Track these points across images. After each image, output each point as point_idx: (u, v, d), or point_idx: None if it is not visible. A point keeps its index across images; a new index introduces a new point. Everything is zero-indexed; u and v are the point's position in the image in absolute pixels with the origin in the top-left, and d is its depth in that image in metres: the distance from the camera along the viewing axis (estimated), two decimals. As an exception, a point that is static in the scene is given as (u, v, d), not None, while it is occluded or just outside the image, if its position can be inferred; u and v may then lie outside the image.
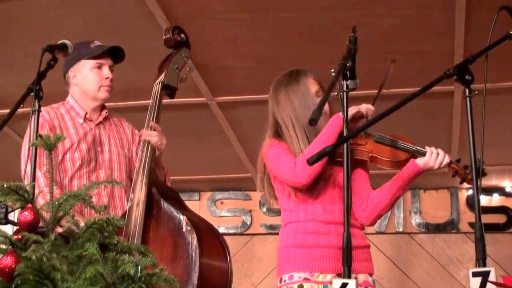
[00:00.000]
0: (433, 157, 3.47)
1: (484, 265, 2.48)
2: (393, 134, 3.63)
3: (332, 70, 2.99)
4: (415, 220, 8.35)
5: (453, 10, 4.77)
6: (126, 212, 3.78)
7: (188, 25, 4.80)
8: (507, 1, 3.10)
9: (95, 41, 4.13)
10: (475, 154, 2.64)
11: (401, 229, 8.35)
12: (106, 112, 4.20)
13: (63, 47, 3.42)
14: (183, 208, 3.76)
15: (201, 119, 6.46)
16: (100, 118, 4.16)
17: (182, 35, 4.27)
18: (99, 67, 4.10)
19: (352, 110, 3.48)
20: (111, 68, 4.13)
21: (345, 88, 2.97)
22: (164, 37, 4.25)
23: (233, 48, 5.38)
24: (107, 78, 4.11)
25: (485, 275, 2.43)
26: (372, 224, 3.66)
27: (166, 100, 4.21)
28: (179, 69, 4.20)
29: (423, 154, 3.50)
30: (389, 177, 3.60)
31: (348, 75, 2.97)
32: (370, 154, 3.56)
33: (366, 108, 3.55)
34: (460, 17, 4.82)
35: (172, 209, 3.69)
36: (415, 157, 3.52)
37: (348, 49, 3.02)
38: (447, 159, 3.49)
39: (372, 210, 3.61)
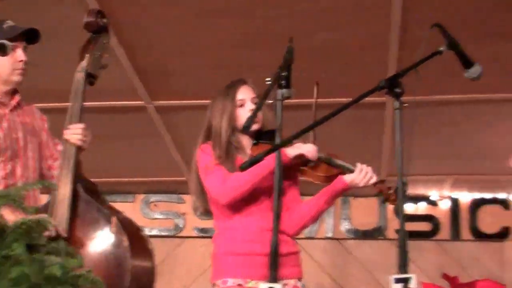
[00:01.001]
0: (361, 176, 3.52)
1: (406, 271, 2.51)
2: (327, 151, 3.65)
3: (268, 79, 3.00)
4: (345, 226, 8.42)
5: (389, 24, 4.83)
6: (46, 207, 3.59)
7: (130, 28, 4.77)
8: (441, 18, 3.16)
9: (8, 21, 3.86)
10: (402, 165, 2.66)
11: (330, 235, 8.41)
12: (19, 96, 3.87)
13: None
14: (109, 207, 3.66)
15: (138, 122, 6.40)
16: (13, 103, 3.83)
17: (105, 20, 3.89)
18: (13, 49, 3.75)
19: (297, 151, 3.51)
20: (24, 50, 3.79)
21: (279, 97, 2.98)
22: (86, 20, 3.82)
23: (174, 52, 5.35)
24: (20, 60, 3.76)
25: (406, 282, 2.46)
26: (296, 234, 3.66)
27: (103, 103, 4.13)
28: (101, 55, 3.87)
29: (352, 171, 3.54)
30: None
31: (284, 84, 2.98)
32: (303, 168, 3.58)
33: (311, 152, 3.55)
34: (395, 32, 4.88)
35: (100, 208, 3.56)
36: (344, 173, 3.56)
37: (285, 59, 3.03)
38: (373, 179, 3.54)
39: (297, 221, 3.63)
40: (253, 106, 3.58)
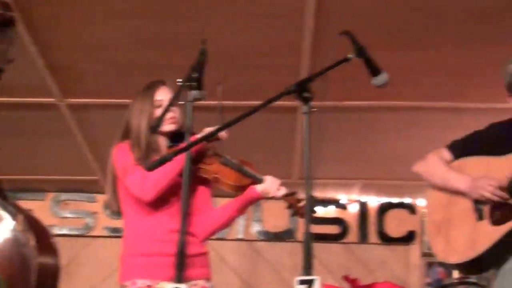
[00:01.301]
0: (272, 187, 3.59)
1: (310, 273, 2.55)
2: (240, 158, 3.69)
3: (179, 80, 3.00)
4: (256, 228, 8.46)
5: (302, 29, 4.88)
6: None
7: (44, 26, 4.71)
8: (352, 26, 3.22)
9: None
10: (310, 169, 2.70)
11: (241, 236, 8.44)
12: None
13: None
14: (14, 205, 3.58)
15: (50, 119, 6.30)
16: None
17: (11, 13, 3.72)
18: None
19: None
20: None
21: (190, 98, 2.99)
22: None
23: (89, 51, 5.29)
24: None
25: (310, 283, 2.50)
26: (205, 239, 3.70)
27: (15, 99, 4.06)
28: (7, 49, 3.78)
29: (262, 181, 3.61)
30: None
31: (195, 86, 2.99)
32: (214, 175, 3.61)
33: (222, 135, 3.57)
34: (308, 37, 4.94)
35: (4, 205, 3.49)
36: (255, 183, 3.62)
37: (197, 61, 3.04)
38: (283, 191, 3.61)
39: (208, 226, 3.68)
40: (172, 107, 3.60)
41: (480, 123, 3.70)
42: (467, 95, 5.87)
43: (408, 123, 6.39)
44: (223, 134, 3.54)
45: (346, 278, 2.20)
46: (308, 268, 2.57)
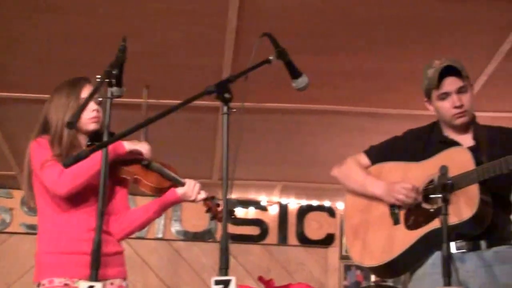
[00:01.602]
0: (193, 191, 3.61)
1: (227, 274, 2.55)
2: (161, 161, 3.69)
3: (98, 76, 2.97)
4: (175, 227, 8.43)
5: (225, 30, 4.88)
6: None
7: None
8: (275, 28, 3.23)
9: None
10: (228, 170, 2.69)
11: (160, 236, 8.39)
12: None
13: None
14: None
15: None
16: None
17: None
18: None
19: (133, 147, 3.55)
20: None
21: (109, 95, 2.95)
22: None
23: (9, 45, 5.18)
24: None
25: (226, 284, 2.49)
26: (122, 239, 3.68)
27: None
28: None
29: (182, 184, 3.62)
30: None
31: (114, 83, 2.95)
32: (135, 176, 3.60)
33: (146, 150, 3.60)
34: (230, 38, 4.94)
35: None
36: (175, 186, 3.63)
37: (117, 57, 3.00)
38: (203, 195, 3.63)
39: (125, 226, 3.66)
40: (95, 106, 3.57)
41: (400, 129, 3.75)
42: (388, 101, 5.96)
43: (329, 126, 6.46)
44: (146, 150, 3.57)
45: (261, 279, 2.21)
46: (224, 268, 2.57)
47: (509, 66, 5.28)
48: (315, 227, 8.75)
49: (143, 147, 3.61)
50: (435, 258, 3.33)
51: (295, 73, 3.02)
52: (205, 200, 3.64)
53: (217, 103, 2.76)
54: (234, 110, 2.76)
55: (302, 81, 3.03)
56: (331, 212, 8.75)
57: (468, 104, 3.50)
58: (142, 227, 3.74)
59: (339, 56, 5.23)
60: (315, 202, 8.76)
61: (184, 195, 3.62)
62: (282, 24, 4.67)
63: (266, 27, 3.19)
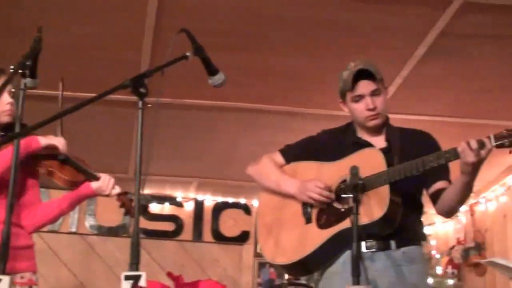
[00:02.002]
0: (107, 185, 3.64)
1: (137, 269, 2.53)
2: (76, 156, 3.69)
3: (12, 67, 2.91)
4: (89, 222, 8.33)
5: (143, 25, 4.84)
6: None
7: None
8: (194, 24, 3.22)
9: None
10: (141, 165, 2.67)
11: (74, 230, 8.29)
12: None
13: None
14: None
15: None
16: None
17: None
18: None
19: (48, 141, 3.54)
20: None
21: (22, 86, 2.90)
22: None
23: None
24: None
25: (136, 279, 2.48)
26: (34, 231, 3.68)
27: None
28: None
29: (97, 179, 3.65)
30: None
31: (28, 74, 2.90)
32: (49, 169, 3.60)
33: (62, 145, 3.59)
34: (149, 33, 4.91)
35: None
36: (90, 180, 3.65)
37: (31, 48, 2.95)
38: (117, 190, 3.66)
39: (37, 219, 3.66)
40: (10, 99, 3.54)
41: (316, 128, 3.78)
42: (305, 100, 6.01)
43: (246, 124, 6.48)
44: (62, 144, 3.54)
45: (170, 275, 2.22)
46: (135, 263, 2.55)
47: (423, 70, 5.39)
48: (230, 224, 8.78)
49: (59, 142, 3.59)
50: (346, 257, 3.36)
51: (211, 70, 3.03)
52: (119, 195, 3.66)
53: (135, 97, 2.74)
54: (150, 105, 2.74)
55: (219, 78, 3.05)
56: (246, 209, 8.79)
57: (381, 107, 3.55)
58: (54, 220, 3.74)
59: (256, 55, 5.26)
60: (231, 199, 8.79)
61: (98, 189, 3.63)
62: (201, 21, 4.67)
63: (184, 23, 3.18)
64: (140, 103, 2.71)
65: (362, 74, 3.51)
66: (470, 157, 3.10)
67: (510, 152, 3.12)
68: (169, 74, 2.94)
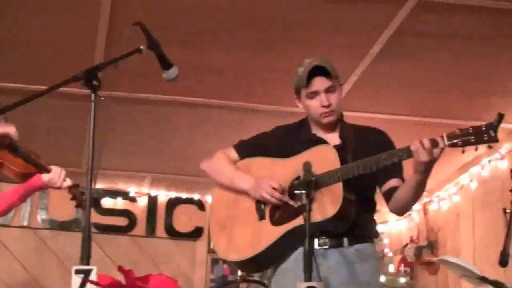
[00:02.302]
0: (58, 177, 3.65)
1: (88, 263, 2.51)
2: (28, 148, 3.66)
3: None
4: (41, 216, 8.25)
5: (98, 18, 4.80)
6: None
7: None
8: (150, 18, 3.20)
9: None
10: (93, 159, 2.65)
11: (26, 224, 8.20)
12: None
13: None
14: None
15: None
16: None
17: None
18: None
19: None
20: None
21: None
22: None
23: None
24: None
25: (87, 273, 2.46)
26: None
27: None
28: None
29: (48, 171, 3.65)
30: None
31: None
32: (0, 160, 3.56)
33: (14, 132, 3.55)
34: (103, 25, 4.86)
35: None
36: (41, 173, 3.66)
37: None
38: (68, 182, 3.68)
39: None
40: None
41: (271, 125, 3.78)
42: (260, 97, 6.01)
43: (201, 120, 6.46)
44: (13, 132, 3.51)
45: (121, 269, 2.19)
46: (86, 257, 2.54)
47: (378, 68, 5.43)
48: (184, 220, 8.76)
49: (10, 129, 3.54)
50: (298, 254, 3.36)
51: (165, 64, 3.03)
52: (70, 187, 3.64)
53: (88, 90, 2.72)
54: (102, 98, 2.72)
55: (173, 72, 3.05)
56: (200, 205, 8.78)
57: (335, 104, 3.56)
58: (5, 212, 3.75)
59: (212, 51, 5.24)
60: (184, 195, 8.77)
61: (49, 182, 3.63)
62: (156, 15, 4.64)
63: (139, 16, 3.17)
64: (93, 96, 2.69)
65: (317, 71, 3.52)
66: (423, 156, 3.13)
67: (462, 152, 3.15)
68: (124, 68, 2.92)
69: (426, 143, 3.12)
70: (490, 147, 3.11)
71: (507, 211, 3.35)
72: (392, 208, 3.51)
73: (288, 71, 3.75)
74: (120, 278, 2.50)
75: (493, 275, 5.87)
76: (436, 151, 3.13)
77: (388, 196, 3.50)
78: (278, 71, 5.35)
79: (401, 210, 3.53)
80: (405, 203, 3.45)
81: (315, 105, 3.56)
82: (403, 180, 3.50)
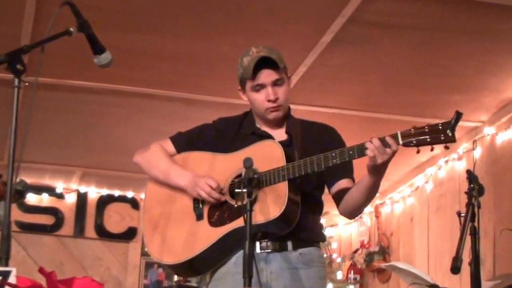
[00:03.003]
0: None
1: (7, 264, 2.49)
2: None
3: None
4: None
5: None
6: None
7: None
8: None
9: None
10: (14, 150, 2.63)
11: None
12: None
13: None
14: None
15: None
16: None
17: None
18: None
19: None
20: None
21: None
22: None
23: None
24: None
25: (5, 275, 2.44)
26: None
27: None
28: None
29: None
30: None
31: None
32: None
33: None
34: (31, 4, 4.81)
35: None
36: None
37: None
38: None
39: None
40: None
41: (214, 117, 3.78)
42: (202, 87, 6.01)
43: (137, 110, 6.44)
44: None
45: (42, 271, 2.16)
46: (5, 258, 2.52)
47: (328, 59, 5.46)
48: (116, 220, 8.73)
49: None
50: (238, 257, 3.37)
51: (97, 48, 3.00)
52: None
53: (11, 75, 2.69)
54: (27, 84, 2.70)
55: (105, 57, 3.02)
56: (134, 203, 8.76)
57: (283, 98, 3.55)
58: None
59: (150, 36, 5.23)
60: (117, 192, 8.74)
61: None
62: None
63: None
64: (16, 81, 2.66)
65: (264, 62, 3.51)
66: (377, 156, 3.15)
67: (417, 152, 3.19)
68: (52, 52, 2.90)
69: (377, 142, 3.15)
70: (447, 147, 3.12)
71: (462, 214, 3.39)
72: (343, 211, 3.53)
73: (232, 60, 3.75)
74: (43, 281, 2.48)
75: (448, 283, 5.98)
76: (389, 150, 3.15)
77: (338, 198, 3.52)
78: (221, 60, 5.36)
79: (352, 213, 3.56)
80: (356, 205, 3.47)
81: (261, 99, 3.55)
82: (353, 181, 3.53)
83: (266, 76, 3.53)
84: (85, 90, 6.02)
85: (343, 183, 3.52)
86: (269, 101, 3.53)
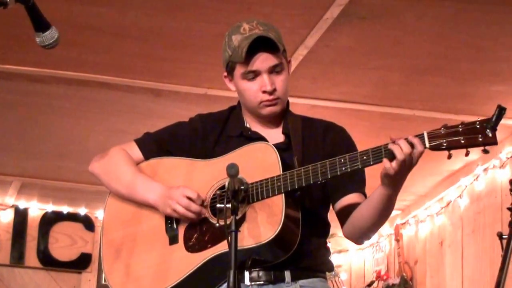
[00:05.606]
0: None
1: None
2: None
3: None
4: None
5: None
6: None
7: None
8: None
9: None
10: None
11: None
12: None
13: None
14: None
15: None
16: None
17: None
18: None
19: None
20: None
21: None
22: None
23: None
24: None
25: None
26: None
27: None
28: None
29: None
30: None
31: None
32: None
33: None
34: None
35: None
36: None
37: None
38: None
39: None
40: None
41: (189, 112, 3.79)
42: (175, 74, 6.00)
43: (93, 104, 6.44)
44: None
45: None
46: None
47: (335, 38, 5.42)
48: (64, 244, 8.74)
49: None
50: (222, 291, 3.39)
51: (40, 24, 2.99)
52: None
53: None
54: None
55: (51, 36, 3.02)
56: (88, 223, 8.78)
57: (282, 89, 3.52)
58: None
59: (107, 9, 5.19)
60: (66, 209, 8.75)
61: None
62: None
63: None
64: None
65: (259, 43, 3.49)
66: (401, 161, 3.13)
67: (449, 157, 3.17)
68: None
69: (405, 145, 3.13)
70: (486, 151, 3.09)
71: (504, 236, 3.39)
72: (349, 233, 3.51)
73: (216, 39, 3.74)
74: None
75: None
76: (413, 155, 3.15)
77: (343, 216, 3.50)
78: (201, 39, 5.34)
79: (360, 237, 3.54)
80: (366, 227, 3.45)
81: (254, 89, 3.52)
82: (365, 196, 3.52)
83: (262, 61, 3.49)
84: (25, 77, 6.03)
85: (351, 198, 3.50)
86: (264, 92, 3.51)
